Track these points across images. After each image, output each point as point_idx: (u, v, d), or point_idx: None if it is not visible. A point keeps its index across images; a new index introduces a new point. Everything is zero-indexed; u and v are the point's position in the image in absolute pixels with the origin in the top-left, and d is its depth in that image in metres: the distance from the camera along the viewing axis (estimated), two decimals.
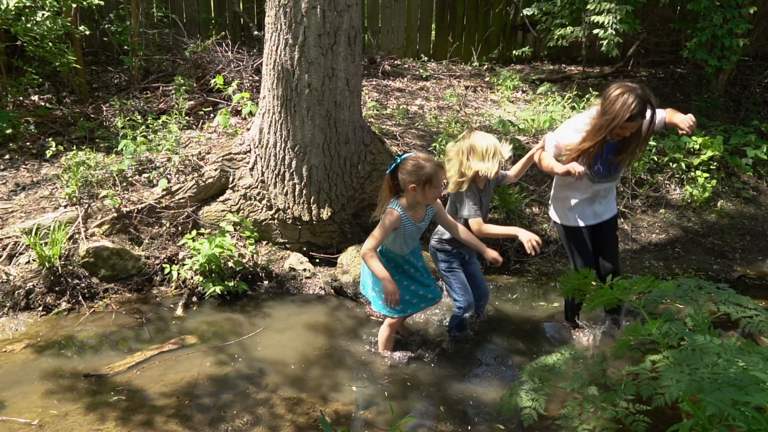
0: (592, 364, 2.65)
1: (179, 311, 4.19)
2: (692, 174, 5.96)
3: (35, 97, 6.27)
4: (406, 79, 7.73)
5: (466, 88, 7.56)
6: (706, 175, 5.89)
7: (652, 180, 5.94)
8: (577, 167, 3.48)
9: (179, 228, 4.69)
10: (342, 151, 4.65)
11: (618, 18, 6.22)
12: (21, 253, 4.31)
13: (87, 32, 6.00)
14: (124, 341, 3.88)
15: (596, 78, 7.91)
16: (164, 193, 4.74)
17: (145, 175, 4.96)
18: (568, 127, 3.70)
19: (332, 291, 4.52)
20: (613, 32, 6.23)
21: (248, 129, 5.10)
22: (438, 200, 3.55)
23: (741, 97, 7.33)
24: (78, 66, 5.93)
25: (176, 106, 5.84)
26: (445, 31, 8.47)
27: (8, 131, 5.47)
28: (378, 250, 3.56)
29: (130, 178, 4.90)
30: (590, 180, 3.66)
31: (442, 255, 3.81)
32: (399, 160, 3.39)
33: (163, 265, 4.48)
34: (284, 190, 4.67)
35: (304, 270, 4.62)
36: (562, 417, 2.54)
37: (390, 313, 3.61)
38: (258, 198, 4.74)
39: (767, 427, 1.90)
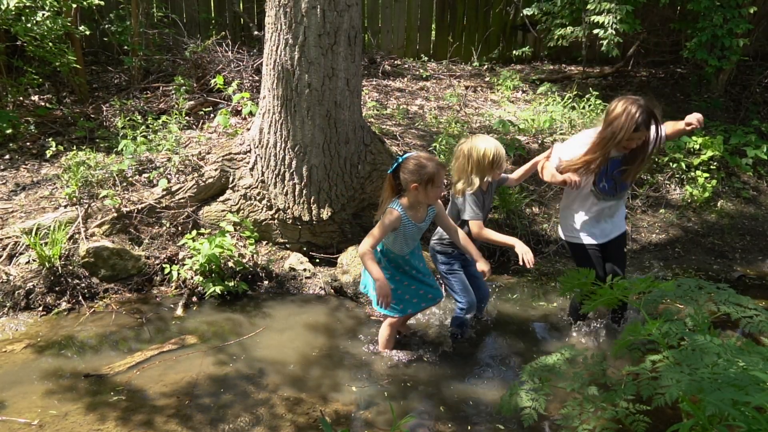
0: (592, 364, 2.65)
1: (179, 311, 4.19)
2: (692, 174, 5.96)
3: (35, 97, 6.27)
4: (406, 79, 7.73)
5: (466, 88, 7.56)
6: (706, 175, 5.89)
7: (652, 180, 5.94)
8: (573, 177, 3.54)
9: (179, 228, 4.70)
10: (342, 151, 4.65)
11: (618, 18, 6.22)
12: (21, 253, 4.31)
13: (87, 32, 6.00)
14: (124, 341, 3.88)
15: (596, 78, 7.91)
16: (164, 193, 4.74)
17: (145, 175, 4.96)
18: (573, 143, 3.72)
19: (332, 291, 4.52)
20: (613, 32, 6.23)
21: (248, 129, 5.10)
22: (439, 201, 3.55)
23: (741, 97, 7.34)
24: (78, 66, 5.93)
25: (176, 106, 5.84)
26: (445, 31, 8.47)
27: (8, 131, 5.47)
28: (379, 250, 3.57)
29: (130, 178, 4.90)
30: (596, 197, 3.68)
31: (442, 257, 3.81)
32: (400, 160, 3.39)
33: (163, 265, 4.48)
34: (284, 190, 4.67)
35: (304, 270, 4.63)
36: (562, 417, 2.54)
37: (390, 312, 3.62)
38: (258, 198, 4.74)
39: (767, 427, 1.90)
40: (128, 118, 5.44)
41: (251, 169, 4.76)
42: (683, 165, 5.97)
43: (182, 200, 4.75)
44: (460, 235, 3.61)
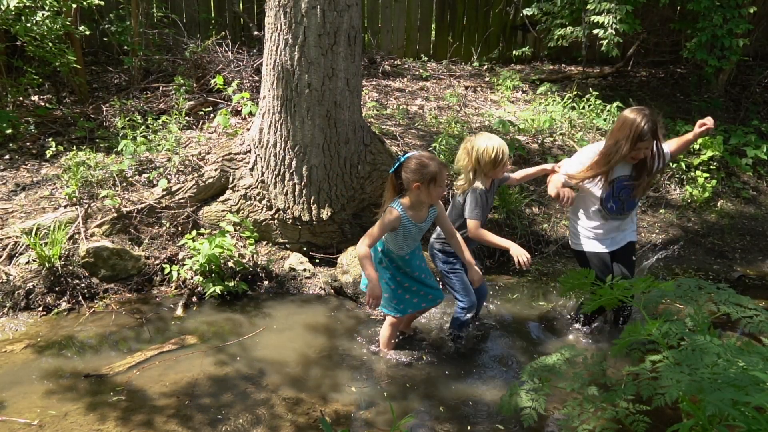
0: (592, 364, 2.65)
1: (179, 311, 4.19)
2: (692, 174, 5.96)
3: (35, 97, 6.27)
4: (406, 79, 7.73)
5: (466, 88, 7.56)
6: (706, 175, 5.89)
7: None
8: (567, 194, 3.64)
9: (179, 228, 4.70)
10: (342, 151, 4.65)
11: (618, 18, 6.22)
12: (21, 253, 4.31)
13: (87, 32, 6.00)
14: (124, 341, 3.88)
15: (596, 78, 7.91)
16: (164, 193, 4.74)
17: (145, 175, 4.96)
18: (579, 156, 3.76)
19: (332, 291, 4.52)
20: (613, 32, 6.23)
21: (248, 129, 5.10)
22: (440, 202, 3.55)
23: (741, 97, 7.34)
24: (78, 66, 5.93)
25: (176, 106, 5.84)
26: (445, 31, 8.47)
27: (8, 131, 5.47)
28: (380, 249, 3.56)
29: (130, 178, 4.90)
30: (603, 218, 3.73)
31: (443, 256, 3.80)
32: (402, 159, 3.38)
33: (163, 265, 4.48)
34: (284, 190, 4.67)
35: (304, 270, 4.63)
36: (562, 417, 2.54)
37: (392, 312, 3.62)
38: (258, 198, 4.74)
39: (767, 427, 1.90)
40: (128, 118, 5.44)
41: (251, 169, 4.76)
42: (683, 165, 5.98)
43: (182, 200, 4.74)
44: (458, 239, 3.62)
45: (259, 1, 7.20)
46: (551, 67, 8.47)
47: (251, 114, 5.42)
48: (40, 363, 3.60)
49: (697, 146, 6.05)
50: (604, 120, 6.31)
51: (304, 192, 4.65)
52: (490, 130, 5.99)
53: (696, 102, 7.15)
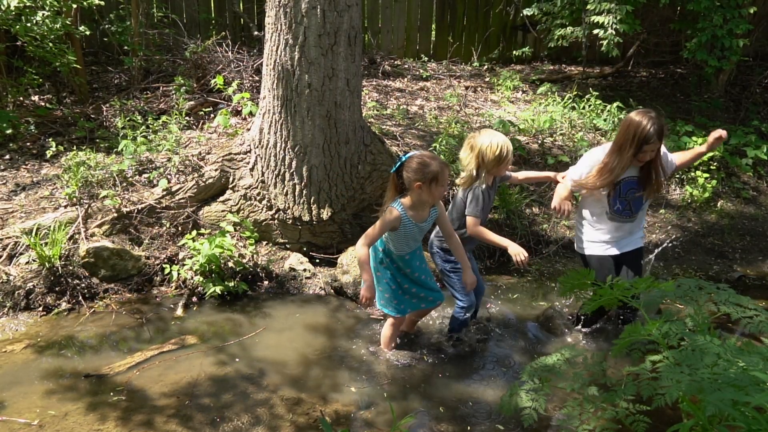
0: (592, 364, 2.65)
1: (179, 311, 4.19)
2: (692, 174, 5.96)
3: (35, 98, 6.28)
4: (406, 79, 7.73)
5: (466, 88, 7.56)
6: (706, 175, 5.89)
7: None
8: (566, 207, 3.66)
9: (179, 228, 4.70)
10: (342, 152, 4.65)
11: (618, 18, 6.22)
12: (21, 253, 4.31)
13: (87, 32, 6.00)
14: (124, 341, 3.88)
15: (596, 78, 7.91)
16: (164, 193, 4.74)
17: (145, 175, 4.96)
18: (582, 162, 3.75)
19: (332, 291, 4.52)
20: (613, 32, 6.24)
21: (248, 129, 5.10)
22: (441, 203, 3.55)
23: (741, 97, 7.34)
24: (78, 66, 5.93)
25: (176, 106, 5.84)
26: (445, 31, 8.47)
27: (8, 131, 5.47)
28: (381, 249, 3.56)
29: (131, 179, 4.90)
30: (609, 219, 3.71)
31: (443, 254, 3.80)
32: (404, 159, 3.38)
33: (163, 266, 4.48)
34: (284, 191, 4.67)
35: (304, 270, 4.63)
36: (562, 417, 2.54)
37: (392, 312, 3.62)
38: (258, 198, 4.74)
39: (767, 428, 1.90)
40: (128, 119, 5.44)
41: (251, 170, 4.76)
42: None
43: (182, 200, 4.74)
44: (454, 242, 3.62)
45: (259, 1, 7.20)
46: (551, 67, 8.48)
47: (251, 114, 5.42)
48: (40, 363, 3.60)
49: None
50: (604, 120, 6.31)
51: (305, 192, 4.65)
52: None
53: (696, 102, 7.16)
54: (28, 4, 5.21)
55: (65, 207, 4.64)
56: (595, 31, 6.37)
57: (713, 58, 6.35)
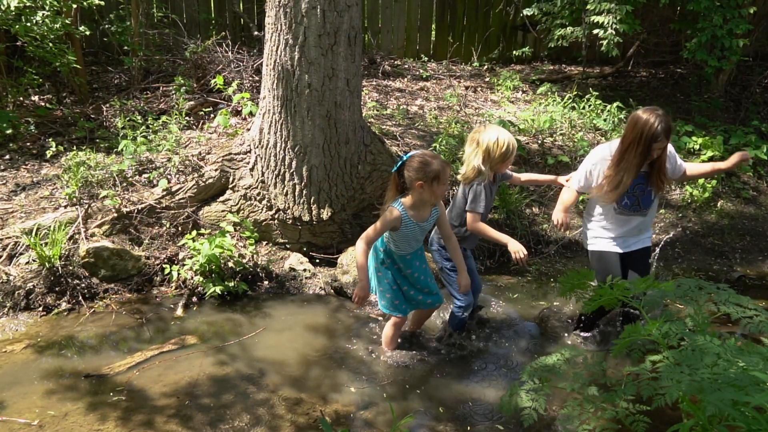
0: (592, 364, 2.65)
1: (179, 311, 4.19)
2: None
3: (35, 98, 6.27)
4: (406, 79, 7.73)
5: (466, 88, 7.56)
6: None
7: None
8: (562, 220, 3.69)
9: (179, 228, 4.70)
10: (342, 152, 4.65)
11: (618, 18, 6.22)
12: (21, 254, 4.31)
13: (87, 32, 6.00)
14: (124, 341, 3.88)
15: (596, 78, 7.91)
16: (164, 193, 4.74)
17: (145, 175, 4.96)
18: (585, 164, 3.72)
19: (332, 291, 4.52)
20: (613, 32, 6.23)
21: (248, 129, 5.10)
22: (441, 204, 3.55)
23: (741, 97, 7.34)
24: (78, 66, 5.93)
25: (176, 106, 5.84)
26: (445, 31, 8.47)
27: (8, 131, 5.47)
28: (382, 250, 3.56)
29: (130, 179, 4.90)
30: (617, 214, 3.67)
31: (445, 252, 3.79)
32: (405, 158, 3.38)
33: (163, 266, 4.48)
34: (284, 191, 4.67)
35: (304, 270, 4.63)
36: (562, 417, 2.54)
37: (393, 312, 3.62)
38: (258, 198, 4.74)
39: (767, 428, 1.90)
40: (128, 119, 5.44)
41: (251, 170, 4.76)
42: None
43: (182, 200, 4.75)
44: (452, 244, 3.62)
45: (259, 1, 7.20)
46: (551, 67, 8.48)
47: (251, 114, 5.42)
48: (40, 363, 3.60)
49: (697, 146, 6.05)
50: (604, 120, 6.31)
51: (304, 192, 4.65)
52: None
53: (696, 102, 7.16)
54: (28, 4, 5.21)
55: (65, 207, 4.64)
56: (595, 31, 6.37)
57: (713, 58, 6.35)
